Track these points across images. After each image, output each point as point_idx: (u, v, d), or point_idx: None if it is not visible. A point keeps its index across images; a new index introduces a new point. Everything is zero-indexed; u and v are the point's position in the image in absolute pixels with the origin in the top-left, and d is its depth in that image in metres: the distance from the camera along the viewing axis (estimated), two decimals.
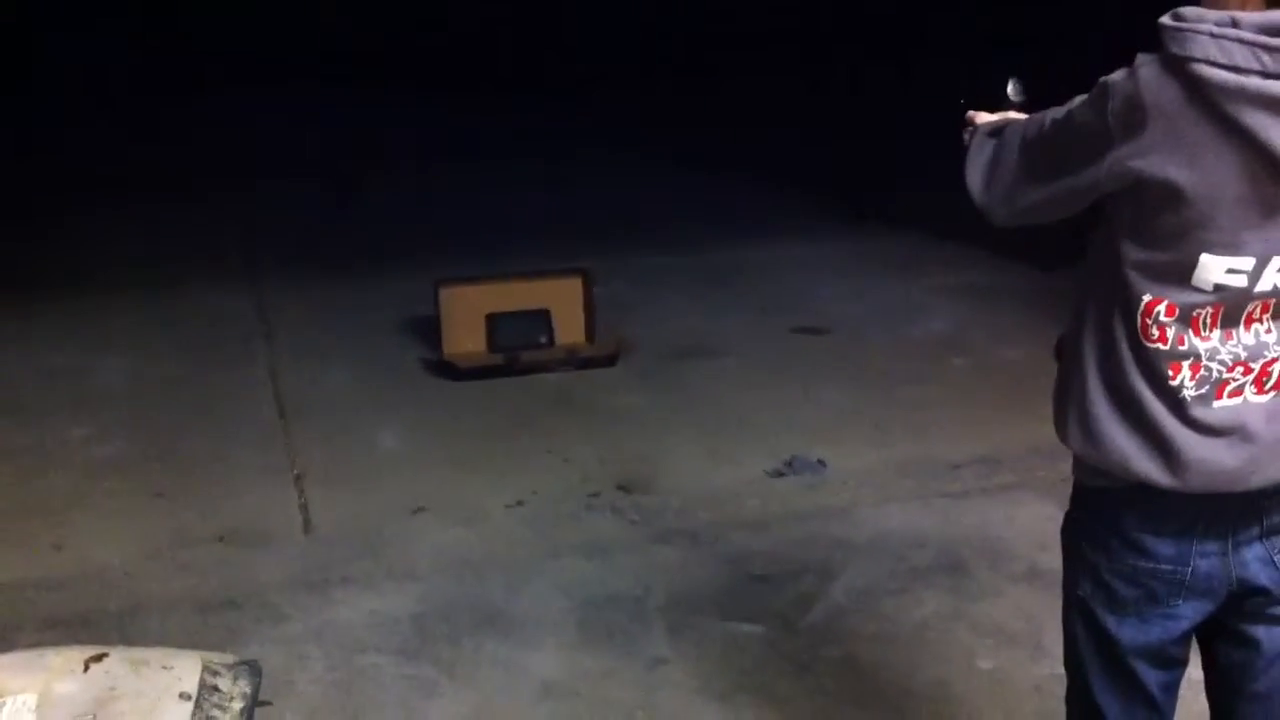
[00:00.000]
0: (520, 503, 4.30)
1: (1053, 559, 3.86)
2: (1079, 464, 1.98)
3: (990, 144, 2.00)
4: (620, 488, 4.40)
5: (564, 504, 4.28)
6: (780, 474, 4.48)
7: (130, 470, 4.61)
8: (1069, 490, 2.07)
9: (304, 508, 4.29)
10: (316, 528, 4.17)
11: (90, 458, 4.71)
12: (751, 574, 3.80)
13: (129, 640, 3.41)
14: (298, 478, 4.52)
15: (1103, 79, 1.78)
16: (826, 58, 10.50)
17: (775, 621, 3.54)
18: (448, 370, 5.46)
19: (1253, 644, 1.95)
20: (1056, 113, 1.87)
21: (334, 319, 6.28)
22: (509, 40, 11.71)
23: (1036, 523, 4.05)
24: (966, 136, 2.09)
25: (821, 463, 4.54)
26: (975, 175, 2.00)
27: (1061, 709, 2.19)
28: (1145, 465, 1.84)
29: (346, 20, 12.01)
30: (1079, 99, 1.83)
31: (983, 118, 2.10)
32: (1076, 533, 2.04)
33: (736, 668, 3.33)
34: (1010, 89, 2.20)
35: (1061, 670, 2.18)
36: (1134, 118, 1.72)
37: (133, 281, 6.84)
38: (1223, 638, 1.98)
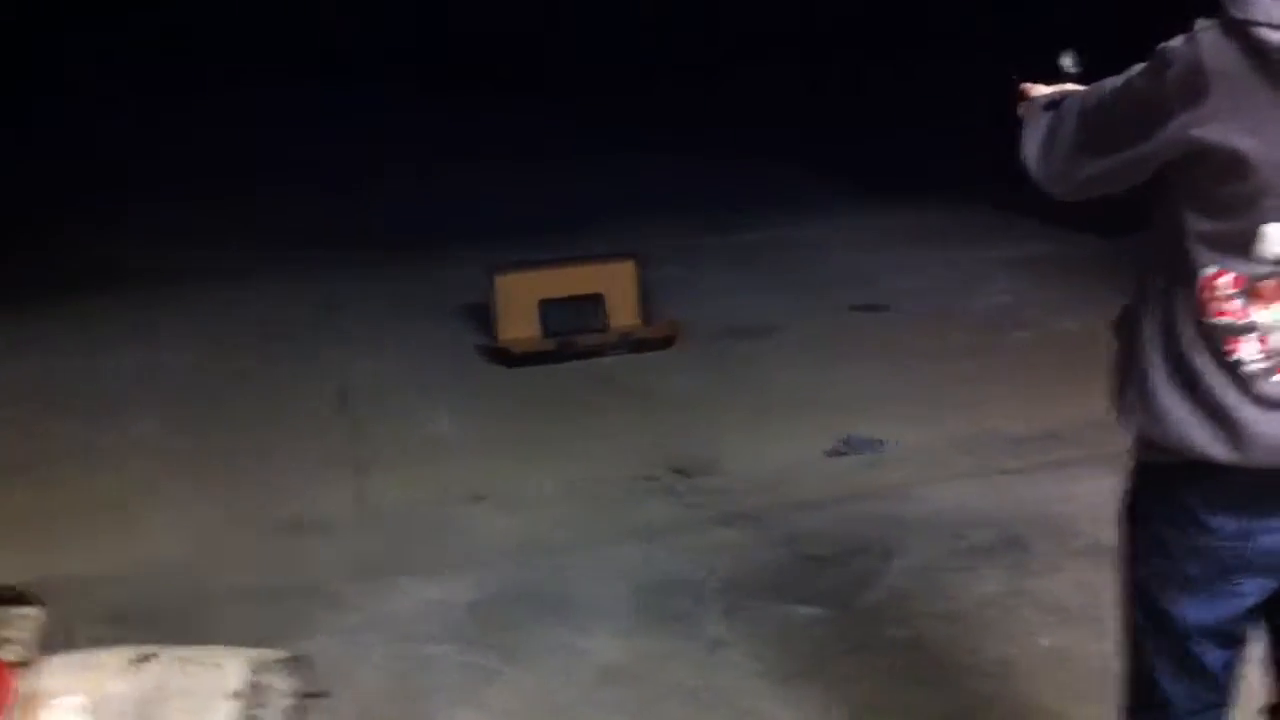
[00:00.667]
0: (576, 488, 4.30)
1: (1114, 534, 3.83)
2: (1139, 440, 1.94)
3: (1046, 117, 1.96)
4: (677, 471, 4.39)
5: (620, 488, 4.28)
6: (839, 453, 4.45)
7: (190, 462, 4.67)
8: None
9: (364, 496, 4.33)
10: (376, 515, 4.20)
11: (150, 450, 4.78)
12: (810, 555, 3.78)
13: (191, 631, 3.46)
14: (358, 466, 4.55)
15: (1161, 45, 1.74)
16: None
17: (835, 602, 3.51)
18: (502, 356, 5.48)
19: None
20: (1115, 81, 1.83)
21: (390, 309, 6.32)
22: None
23: (1097, 497, 3.94)
24: (1021, 110, 2.05)
25: (880, 441, 4.50)
26: (1031, 149, 1.96)
27: None
28: (1207, 441, 1.80)
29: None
30: (1138, 67, 1.79)
31: (1037, 90, 2.06)
32: (1135, 511, 2.00)
33: (797, 650, 3.31)
34: (1065, 60, 2.15)
35: None
36: (1194, 84, 1.68)
37: (186, 273, 6.93)
38: None
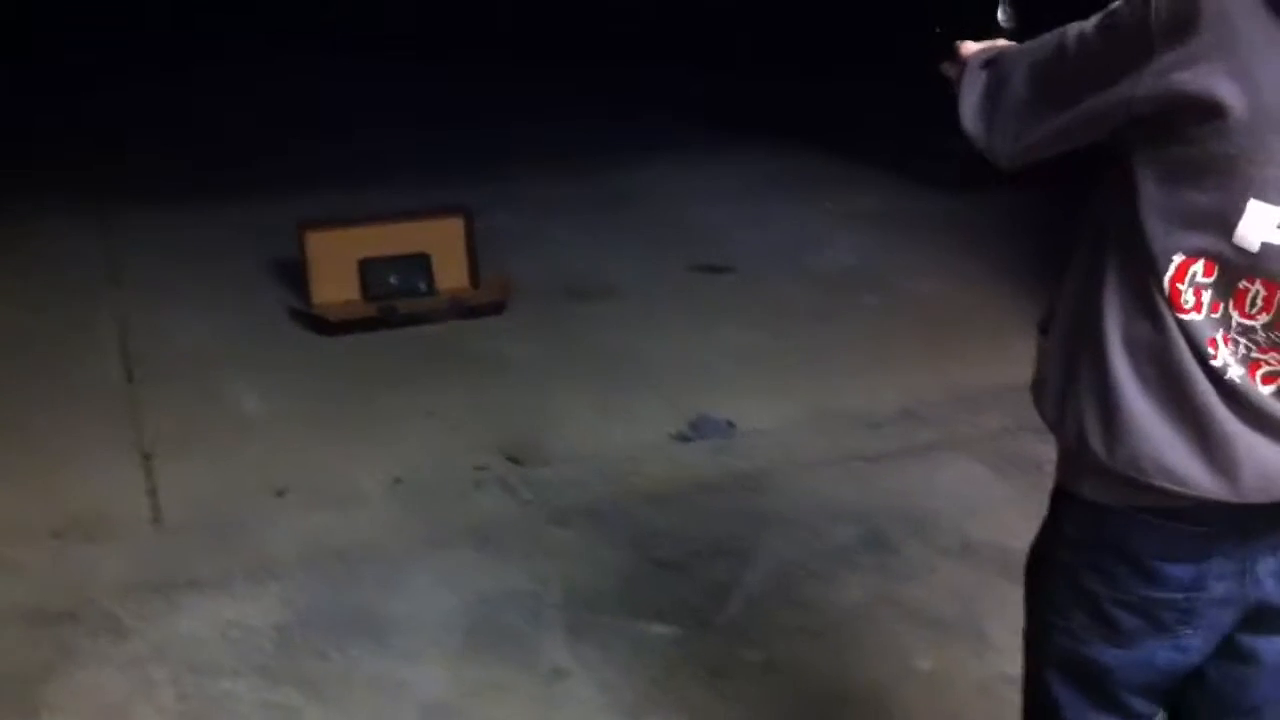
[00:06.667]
0: (398, 480, 3.86)
1: (984, 530, 3.56)
2: (1080, 470, 1.59)
3: (983, 76, 1.66)
4: (510, 458, 3.97)
5: (448, 480, 3.84)
6: (685, 439, 4.09)
7: None
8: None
9: (152, 492, 3.79)
10: (166, 516, 3.68)
11: None
12: (659, 560, 3.42)
13: None
14: (146, 455, 4.01)
15: None
16: None
17: (687, 618, 3.17)
18: (317, 323, 4.95)
19: (1252, 658, 1.64)
20: (1082, 26, 1.51)
21: (190, 262, 5.69)
22: None
23: (962, 487, 3.73)
24: (951, 70, 1.74)
25: (729, 423, 4.16)
26: (971, 111, 1.66)
27: (1012, 712, 1.85)
28: (1195, 470, 1.48)
29: None
30: (1113, 7, 1.47)
31: (969, 48, 1.75)
32: (1066, 557, 1.66)
33: (646, 676, 2.96)
34: (1000, 14, 1.86)
35: (1008, 669, 1.91)
36: (1184, 16, 1.37)
37: None
38: (1220, 654, 1.64)
